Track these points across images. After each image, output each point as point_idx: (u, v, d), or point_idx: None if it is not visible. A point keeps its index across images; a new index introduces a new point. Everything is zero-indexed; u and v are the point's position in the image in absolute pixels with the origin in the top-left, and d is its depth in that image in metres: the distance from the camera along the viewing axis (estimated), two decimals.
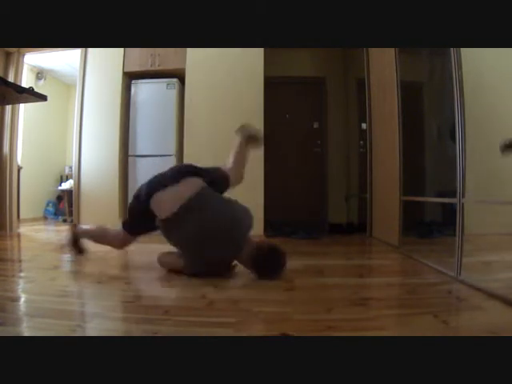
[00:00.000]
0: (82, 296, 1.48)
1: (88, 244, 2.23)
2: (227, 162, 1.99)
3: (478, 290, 1.46)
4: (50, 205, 4.91)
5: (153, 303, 1.34)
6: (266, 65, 3.32)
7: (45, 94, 2.09)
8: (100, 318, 1.15)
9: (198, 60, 3.31)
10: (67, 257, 2.26)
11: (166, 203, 1.68)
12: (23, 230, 3.67)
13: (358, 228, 3.50)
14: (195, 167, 1.89)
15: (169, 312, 1.23)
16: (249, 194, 3.24)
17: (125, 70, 3.37)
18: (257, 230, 3.18)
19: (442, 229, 2.91)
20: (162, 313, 1.21)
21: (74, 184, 3.39)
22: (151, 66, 3.35)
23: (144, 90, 3.36)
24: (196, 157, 2.92)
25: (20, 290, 1.50)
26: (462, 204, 1.69)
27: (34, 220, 4.53)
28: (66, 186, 4.64)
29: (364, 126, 3.45)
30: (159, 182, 1.77)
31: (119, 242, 2.07)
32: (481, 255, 2.16)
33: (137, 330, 1.09)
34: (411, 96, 3.24)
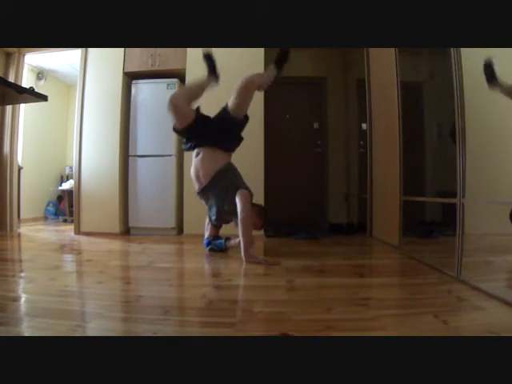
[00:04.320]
0: (82, 296, 1.48)
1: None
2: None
3: (478, 290, 1.46)
4: (51, 205, 4.91)
5: (153, 303, 1.34)
6: (266, 65, 3.32)
7: (45, 94, 2.09)
8: (100, 318, 1.15)
9: (198, 60, 3.30)
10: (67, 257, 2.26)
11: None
12: (23, 229, 3.67)
13: (358, 228, 3.50)
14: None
15: (169, 312, 1.23)
16: None
17: (125, 70, 3.37)
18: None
19: (442, 229, 2.91)
20: (162, 313, 1.21)
21: (75, 184, 3.39)
22: (151, 66, 3.34)
23: (144, 90, 3.36)
24: None
25: (20, 290, 1.50)
26: (462, 204, 1.69)
27: (35, 220, 4.53)
28: (66, 186, 4.64)
29: (364, 126, 3.45)
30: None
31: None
32: (481, 255, 2.16)
33: (137, 330, 1.09)
34: (411, 96, 3.24)
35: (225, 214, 2.27)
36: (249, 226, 2.10)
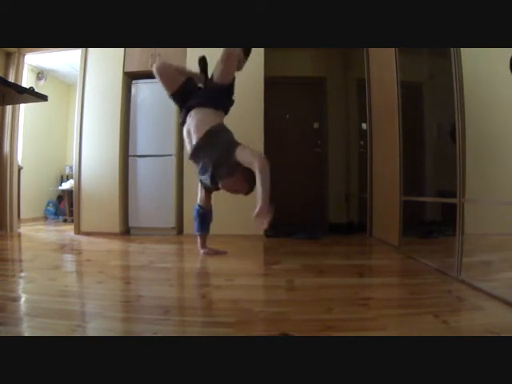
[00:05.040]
0: (82, 296, 1.48)
1: None
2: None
3: (478, 290, 1.46)
4: (51, 205, 4.91)
5: (153, 303, 1.34)
6: (266, 65, 3.32)
7: (45, 94, 2.09)
8: (100, 318, 1.15)
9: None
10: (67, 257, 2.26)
11: None
12: (23, 229, 3.68)
13: (358, 228, 3.50)
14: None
15: (169, 312, 1.23)
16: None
17: (125, 70, 3.37)
18: (257, 229, 3.18)
19: (442, 229, 2.91)
20: (162, 313, 1.21)
21: (75, 184, 3.39)
22: (151, 66, 3.34)
23: (144, 90, 3.36)
24: None
25: (20, 290, 1.50)
26: (462, 204, 1.69)
27: (35, 220, 4.53)
28: (66, 185, 4.64)
29: (364, 126, 3.45)
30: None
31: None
32: (481, 255, 2.16)
33: (137, 330, 1.09)
34: (411, 96, 3.24)
35: (218, 177, 2.07)
36: (268, 176, 1.90)
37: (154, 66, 2.16)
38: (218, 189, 2.18)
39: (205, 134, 2.04)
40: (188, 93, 2.18)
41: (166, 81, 2.17)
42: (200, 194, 2.31)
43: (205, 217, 2.31)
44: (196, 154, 2.11)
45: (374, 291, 1.56)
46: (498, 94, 2.32)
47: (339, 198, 3.99)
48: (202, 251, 2.32)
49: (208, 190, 2.27)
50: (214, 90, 2.18)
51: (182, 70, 2.31)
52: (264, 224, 1.87)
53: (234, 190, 2.07)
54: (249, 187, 2.02)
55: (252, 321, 1.16)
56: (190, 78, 2.21)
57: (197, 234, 2.35)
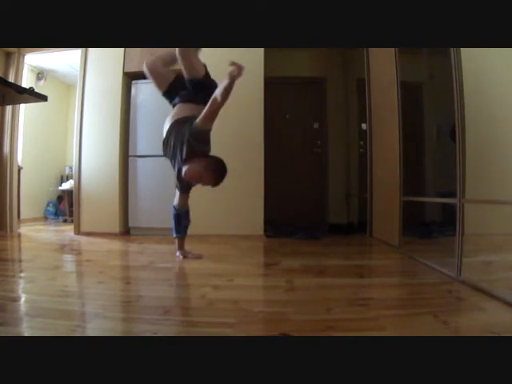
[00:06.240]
0: (82, 296, 1.48)
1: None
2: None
3: (478, 290, 1.46)
4: (51, 205, 4.91)
5: (153, 303, 1.34)
6: (266, 65, 3.32)
7: (45, 94, 2.09)
8: (100, 318, 1.15)
9: None
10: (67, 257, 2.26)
11: None
12: (23, 230, 3.67)
13: (358, 228, 3.50)
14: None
15: (169, 312, 1.23)
16: (249, 193, 3.25)
17: (125, 70, 3.37)
18: (257, 230, 3.19)
19: (442, 229, 2.91)
20: (162, 313, 1.21)
21: (75, 184, 3.39)
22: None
23: (144, 91, 3.36)
24: None
25: (20, 290, 1.50)
26: (462, 204, 1.69)
27: (35, 220, 4.53)
28: (66, 186, 4.64)
29: (364, 126, 3.45)
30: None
31: None
32: (481, 255, 2.16)
33: (137, 330, 1.09)
34: (411, 96, 3.24)
35: (181, 164, 2.03)
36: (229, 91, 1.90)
37: (144, 65, 2.17)
38: (191, 184, 2.12)
39: (176, 120, 2.07)
40: (177, 91, 2.19)
41: (157, 80, 2.20)
42: (176, 194, 2.24)
43: (180, 218, 2.20)
44: (166, 140, 2.11)
45: (373, 291, 1.56)
46: (499, 93, 2.32)
47: (339, 198, 3.99)
48: (177, 253, 2.23)
49: (183, 190, 2.19)
50: (191, 86, 2.13)
51: (169, 58, 2.25)
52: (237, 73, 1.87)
53: (198, 179, 1.99)
54: (215, 177, 1.97)
55: (252, 321, 1.16)
56: (178, 77, 2.20)
57: (173, 236, 2.25)
